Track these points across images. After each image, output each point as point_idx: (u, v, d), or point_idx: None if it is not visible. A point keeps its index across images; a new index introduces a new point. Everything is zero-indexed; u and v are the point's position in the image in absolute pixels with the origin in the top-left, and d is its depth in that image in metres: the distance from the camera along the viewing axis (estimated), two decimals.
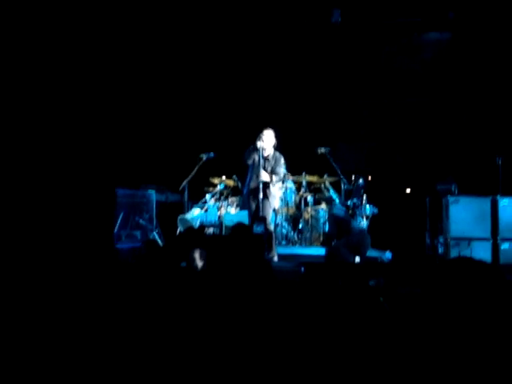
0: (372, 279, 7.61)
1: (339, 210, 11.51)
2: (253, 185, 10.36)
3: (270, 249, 10.19)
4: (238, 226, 4.44)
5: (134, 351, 2.81)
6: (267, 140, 10.35)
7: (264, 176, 10.30)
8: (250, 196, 10.43)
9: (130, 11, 13.29)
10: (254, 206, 10.37)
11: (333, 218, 11.29)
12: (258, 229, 10.31)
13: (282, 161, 10.58)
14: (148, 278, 3.19)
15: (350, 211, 12.22)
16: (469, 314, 2.51)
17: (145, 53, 13.94)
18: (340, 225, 11.22)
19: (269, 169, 10.44)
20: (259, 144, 10.24)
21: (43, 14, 13.03)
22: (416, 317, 2.63)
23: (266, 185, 10.38)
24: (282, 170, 10.64)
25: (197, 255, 3.95)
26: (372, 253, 11.71)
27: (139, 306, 2.99)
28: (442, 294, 2.57)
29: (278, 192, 11.26)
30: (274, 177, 10.44)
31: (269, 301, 3.24)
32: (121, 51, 13.76)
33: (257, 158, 10.30)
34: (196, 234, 3.57)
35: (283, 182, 10.61)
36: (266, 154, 10.38)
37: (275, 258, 10.19)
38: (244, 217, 11.61)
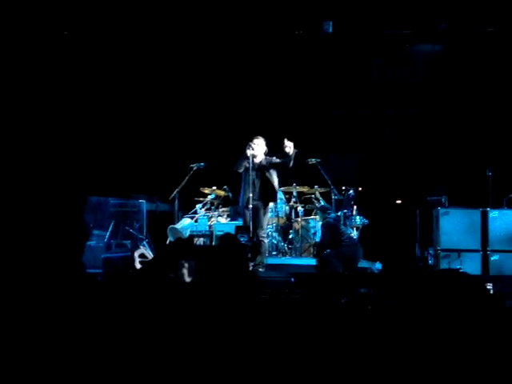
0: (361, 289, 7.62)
1: (333, 218, 11.54)
2: (245, 195, 10.31)
3: (253, 258, 10.11)
4: (226, 236, 4.43)
5: (121, 361, 2.80)
6: (258, 148, 10.30)
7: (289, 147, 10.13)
8: (244, 206, 10.37)
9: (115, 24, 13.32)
10: (247, 215, 10.29)
11: (327, 225, 11.30)
12: (241, 239, 10.29)
13: (274, 158, 10.45)
14: (137, 288, 3.17)
15: (341, 222, 12.25)
16: (452, 326, 2.52)
17: (137, 63, 13.95)
18: (333, 233, 11.23)
19: (266, 174, 10.35)
20: (249, 152, 10.19)
21: (43, 15, 13.06)
22: (402, 327, 2.64)
23: (259, 194, 10.31)
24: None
25: (185, 269, 3.94)
26: (362, 263, 11.73)
27: (126, 317, 2.98)
28: (426, 305, 2.58)
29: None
30: (284, 162, 10.29)
31: (255, 311, 3.24)
32: (113, 60, 13.78)
33: (248, 166, 10.25)
34: (185, 245, 3.55)
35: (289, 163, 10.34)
36: (257, 162, 10.32)
37: (260, 269, 10.12)
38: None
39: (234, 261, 3.65)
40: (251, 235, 10.10)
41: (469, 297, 2.57)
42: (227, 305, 3.14)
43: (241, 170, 10.34)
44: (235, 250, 3.80)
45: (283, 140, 10.10)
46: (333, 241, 11.19)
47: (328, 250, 11.12)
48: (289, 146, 10.06)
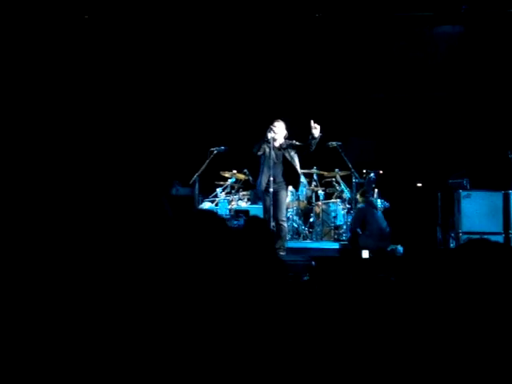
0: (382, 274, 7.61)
1: (370, 203, 11.61)
2: (264, 178, 10.27)
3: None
4: (253, 218, 4.42)
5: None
6: (278, 131, 10.26)
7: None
8: (263, 190, 10.33)
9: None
10: (267, 199, 10.25)
11: (360, 210, 11.46)
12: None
13: (294, 141, 10.43)
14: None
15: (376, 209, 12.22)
16: (487, 302, 2.47)
17: (155, 49, 13.93)
18: (364, 218, 11.34)
19: (287, 155, 10.29)
20: (270, 135, 10.15)
21: (43, 15, 13.08)
22: (427, 309, 2.61)
23: (278, 178, 10.27)
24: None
25: None
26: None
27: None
28: (456, 282, 2.54)
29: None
30: (305, 144, 10.31)
31: (281, 295, 3.22)
32: (130, 46, 13.78)
33: (267, 150, 10.21)
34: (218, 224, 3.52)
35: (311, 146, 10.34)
36: (277, 145, 10.29)
37: (281, 252, 10.10)
38: (255, 210, 11.60)
39: (261, 244, 3.65)
40: (271, 219, 10.09)
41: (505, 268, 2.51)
42: (255, 288, 3.13)
43: (260, 153, 10.30)
44: (262, 233, 3.79)
45: (310, 121, 10.07)
46: (363, 225, 11.30)
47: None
48: (316, 128, 10.03)
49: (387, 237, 11.38)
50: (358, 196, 12.03)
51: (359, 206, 11.74)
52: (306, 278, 7.62)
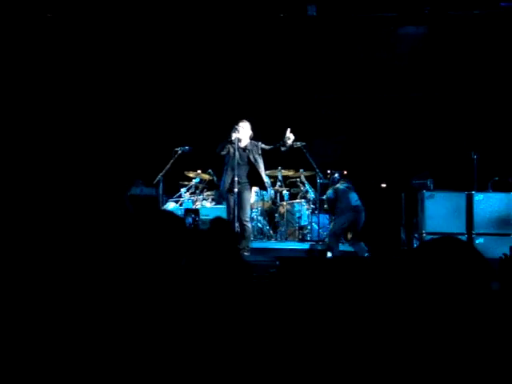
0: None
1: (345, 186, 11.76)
2: (228, 179, 10.25)
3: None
4: (217, 219, 4.38)
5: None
6: (243, 131, 10.25)
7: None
8: (227, 190, 10.31)
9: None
10: (231, 200, 10.24)
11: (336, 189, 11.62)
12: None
13: (261, 143, 10.44)
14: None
15: (325, 205, 12.25)
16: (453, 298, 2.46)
17: (120, 47, 13.84)
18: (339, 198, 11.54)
19: (251, 157, 10.29)
20: (234, 135, 10.14)
21: (42, 15, 12.98)
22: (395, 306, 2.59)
23: (242, 178, 10.27)
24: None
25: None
26: (348, 247, 11.74)
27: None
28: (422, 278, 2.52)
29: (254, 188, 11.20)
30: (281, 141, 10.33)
31: (246, 296, 3.20)
32: (95, 44, 13.68)
33: (232, 150, 10.20)
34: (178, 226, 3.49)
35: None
36: (242, 145, 10.27)
37: (246, 253, 10.08)
38: (220, 211, 11.56)
39: (225, 245, 3.62)
40: (235, 220, 10.09)
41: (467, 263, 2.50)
42: (219, 289, 3.10)
43: (224, 153, 10.28)
44: (226, 234, 3.76)
45: (287, 129, 10.11)
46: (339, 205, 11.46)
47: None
48: (290, 138, 10.09)
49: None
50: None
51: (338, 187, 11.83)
52: (272, 271, 7.64)
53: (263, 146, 10.36)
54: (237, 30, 13.86)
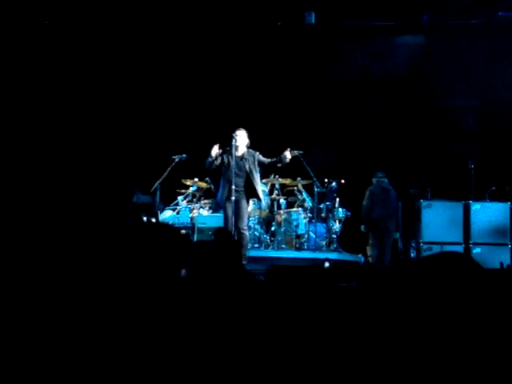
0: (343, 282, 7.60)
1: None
2: (225, 189, 10.27)
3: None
4: (220, 230, 4.37)
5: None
6: (240, 140, 10.27)
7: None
8: (225, 199, 10.31)
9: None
10: (228, 208, 10.24)
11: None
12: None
13: (258, 153, 10.48)
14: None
15: (323, 214, 12.23)
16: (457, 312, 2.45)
17: (117, 54, 13.84)
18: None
19: (248, 167, 10.30)
20: (233, 143, 10.17)
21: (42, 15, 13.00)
22: (393, 319, 2.58)
23: (240, 187, 10.28)
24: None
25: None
26: (345, 256, 11.72)
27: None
28: (421, 294, 2.51)
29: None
30: (278, 156, 10.39)
31: (247, 305, 3.18)
32: (91, 50, 13.69)
33: (226, 160, 10.24)
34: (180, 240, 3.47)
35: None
36: (239, 154, 10.29)
37: (243, 261, 10.05)
38: (217, 219, 11.54)
39: (228, 256, 3.60)
40: (233, 228, 10.08)
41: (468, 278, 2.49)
42: (223, 300, 3.08)
43: (217, 164, 10.32)
44: (230, 245, 3.74)
45: (286, 149, 10.24)
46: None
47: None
48: (286, 157, 10.14)
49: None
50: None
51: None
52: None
53: (261, 157, 10.39)
54: (235, 39, 13.87)
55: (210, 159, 10.29)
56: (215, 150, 10.23)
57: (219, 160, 10.28)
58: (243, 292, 3.28)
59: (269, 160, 10.43)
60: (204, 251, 3.55)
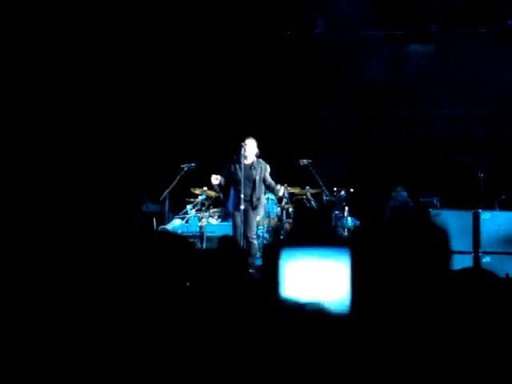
0: None
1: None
2: (235, 198, 10.31)
3: None
4: (225, 238, 4.36)
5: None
6: (249, 149, 10.30)
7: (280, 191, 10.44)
8: (234, 207, 10.36)
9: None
10: (237, 217, 10.27)
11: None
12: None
13: (269, 168, 10.56)
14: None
15: (332, 223, 12.21)
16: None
17: (126, 63, 13.88)
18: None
19: (257, 177, 10.35)
20: (242, 152, 10.21)
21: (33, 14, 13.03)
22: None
23: (251, 197, 10.32)
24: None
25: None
26: None
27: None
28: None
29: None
30: (274, 186, 10.48)
31: (255, 314, 3.17)
32: (99, 59, 13.73)
33: (233, 169, 10.29)
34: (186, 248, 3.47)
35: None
36: (248, 163, 10.31)
37: (251, 270, 10.08)
38: (226, 228, 11.54)
39: (233, 264, 3.60)
40: (241, 237, 10.11)
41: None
42: (228, 308, 3.08)
43: (225, 174, 10.43)
44: (235, 253, 3.74)
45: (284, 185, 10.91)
46: None
47: None
48: (279, 191, 10.77)
49: None
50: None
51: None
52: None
53: (267, 174, 10.55)
54: (244, 48, 13.88)
55: (216, 187, 10.54)
56: (215, 181, 10.36)
57: (224, 180, 10.42)
58: (249, 300, 3.28)
59: (268, 182, 10.56)
60: (209, 259, 3.55)
